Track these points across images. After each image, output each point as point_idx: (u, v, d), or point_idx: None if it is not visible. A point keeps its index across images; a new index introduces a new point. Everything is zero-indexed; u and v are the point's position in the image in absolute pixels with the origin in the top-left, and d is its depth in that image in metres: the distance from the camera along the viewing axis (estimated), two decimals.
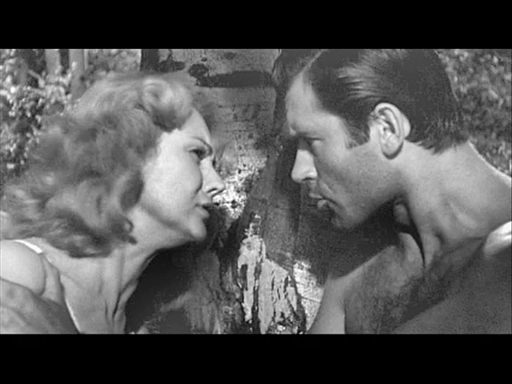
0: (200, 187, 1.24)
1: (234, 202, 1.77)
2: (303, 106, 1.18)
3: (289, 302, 1.60)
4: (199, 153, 1.26)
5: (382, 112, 1.14)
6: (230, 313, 1.67)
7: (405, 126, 1.14)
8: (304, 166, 1.22)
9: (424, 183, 1.16)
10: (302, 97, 1.18)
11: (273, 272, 1.62)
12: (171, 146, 1.23)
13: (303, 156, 1.22)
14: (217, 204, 1.54)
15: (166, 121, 1.23)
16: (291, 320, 1.60)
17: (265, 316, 1.61)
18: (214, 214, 1.32)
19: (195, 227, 1.23)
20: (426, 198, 1.16)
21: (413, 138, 1.14)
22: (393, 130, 1.14)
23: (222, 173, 1.35)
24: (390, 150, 1.14)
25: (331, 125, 1.16)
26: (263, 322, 1.62)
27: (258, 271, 1.64)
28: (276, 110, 1.70)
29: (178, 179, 1.22)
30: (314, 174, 1.22)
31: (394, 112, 1.13)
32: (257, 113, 1.79)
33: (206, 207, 1.26)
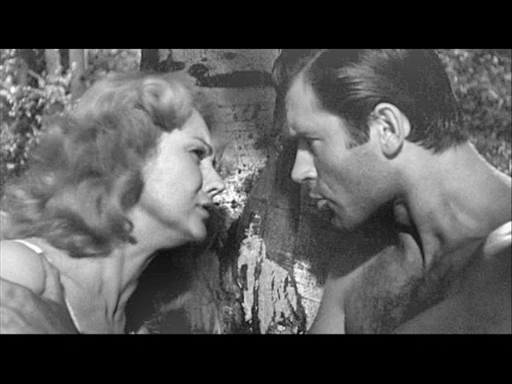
0: (200, 187, 1.24)
1: (234, 201, 1.77)
2: (303, 105, 1.18)
3: (289, 302, 1.60)
4: (199, 153, 1.26)
5: (382, 112, 1.14)
6: (230, 313, 1.67)
7: (405, 126, 1.14)
8: (304, 166, 1.22)
9: (424, 183, 1.16)
10: (301, 97, 1.18)
11: (273, 272, 1.62)
12: (171, 146, 1.23)
13: (303, 156, 1.22)
14: (217, 204, 1.54)
15: (166, 121, 1.23)
16: (291, 320, 1.60)
17: (265, 316, 1.61)
18: (213, 214, 1.32)
19: (195, 227, 1.24)
20: (426, 198, 1.16)
21: (413, 138, 1.14)
22: (393, 130, 1.14)
23: (221, 173, 1.35)
24: (390, 150, 1.14)
25: (331, 125, 1.16)
26: (263, 322, 1.62)
27: (258, 271, 1.64)
28: (276, 110, 1.70)
29: (178, 179, 1.22)
30: (313, 174, 1.22)
31: (394, 112, 1.13)
32: (257, 113, 1.79)
33: (205, 207, 1.26)
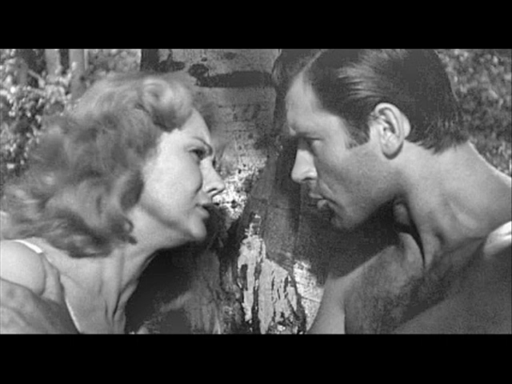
0: (200, 187, 1.25)
1: (234, 202, 1.77)
2: (303, 105, 1.18)
3: (289, 302, 1.60)
4: (199, 153, 1.26)
5: (381, 112, 1.14)
6: (230, 313, 1.67)
7: (405, 126, 1.14)
8: (304, 166, 1.22)
9: (424, 183, 1.16)
10: (302, 97, 1.18)
11: (273, 272, 1.62)
12: (171, 146, 1.23)
13: (303, 156, 1.23)
14: (217, 204, 1.54)
15: (166, 121, 1.23)
16: (291, 320, 1.60)
17: (265, 316, 1.61)
18: (214, 214, 1.32)
19: (195, 227, 1.24)
20: (426, 198, 1.16)
21: (413, 138, 1.15)
22: (393, 130, 1.14)
23: (222, 173, 1.35)
24: (390, 150, 1.14)
25: (331, 125, 1.16)
26: (263, 321, 1.62)
27: (258, 271, 1.64)
28: (276, 110, 1.70)
29: (178, 179, 1.22)
30: (313, 174, 1.22)
31: (394, 112, 1.13)
32: (257, 113, 1.79)
33: (206, 207, 1.26)
